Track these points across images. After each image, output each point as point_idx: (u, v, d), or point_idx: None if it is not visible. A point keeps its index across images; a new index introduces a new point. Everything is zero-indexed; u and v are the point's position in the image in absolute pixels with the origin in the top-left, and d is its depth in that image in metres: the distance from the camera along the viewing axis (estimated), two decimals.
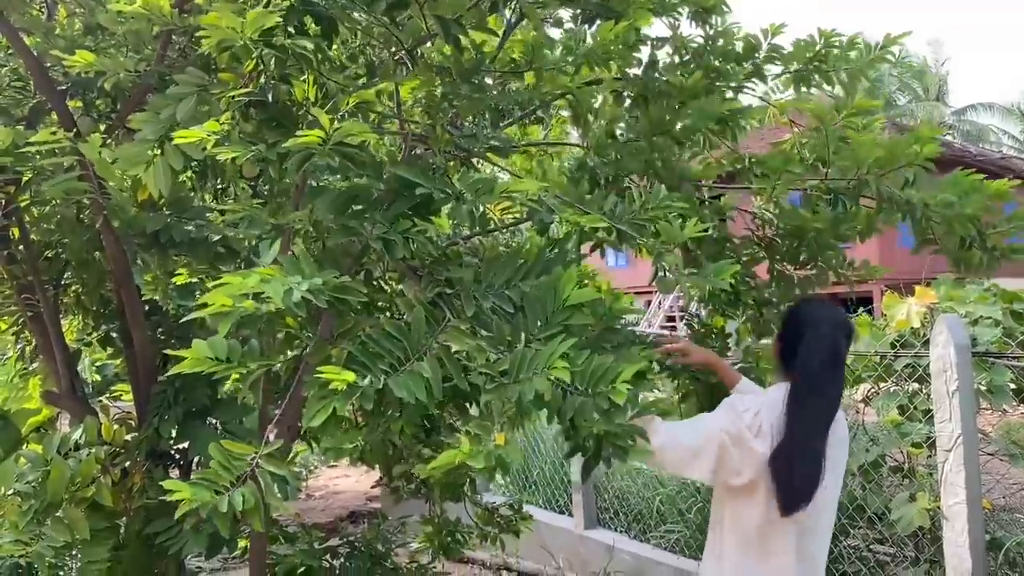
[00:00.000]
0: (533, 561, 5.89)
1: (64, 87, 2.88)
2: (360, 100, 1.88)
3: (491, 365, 1.78)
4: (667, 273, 1.96)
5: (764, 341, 3.02)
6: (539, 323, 1.86)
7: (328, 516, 7.59)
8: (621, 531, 5.67)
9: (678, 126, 2.52)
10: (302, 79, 2.01)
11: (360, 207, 1.95)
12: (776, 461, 2.21)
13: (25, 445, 6.46)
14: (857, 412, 5.23)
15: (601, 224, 1.89)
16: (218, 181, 3.59)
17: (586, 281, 1.88)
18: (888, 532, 4.35)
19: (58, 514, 2.66)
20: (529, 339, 1.84)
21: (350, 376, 1.63)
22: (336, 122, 1.73)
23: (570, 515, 5.96)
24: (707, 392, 2.96)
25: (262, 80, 1.92)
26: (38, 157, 2.76)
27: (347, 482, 9.07)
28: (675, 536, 5.18)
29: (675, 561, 5.05)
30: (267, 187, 3.60)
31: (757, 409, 2.27)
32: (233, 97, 1.90)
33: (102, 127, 2.99)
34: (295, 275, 1.75)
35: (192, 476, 1.66)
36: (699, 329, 3.09)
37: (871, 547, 4.50)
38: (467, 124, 2.26)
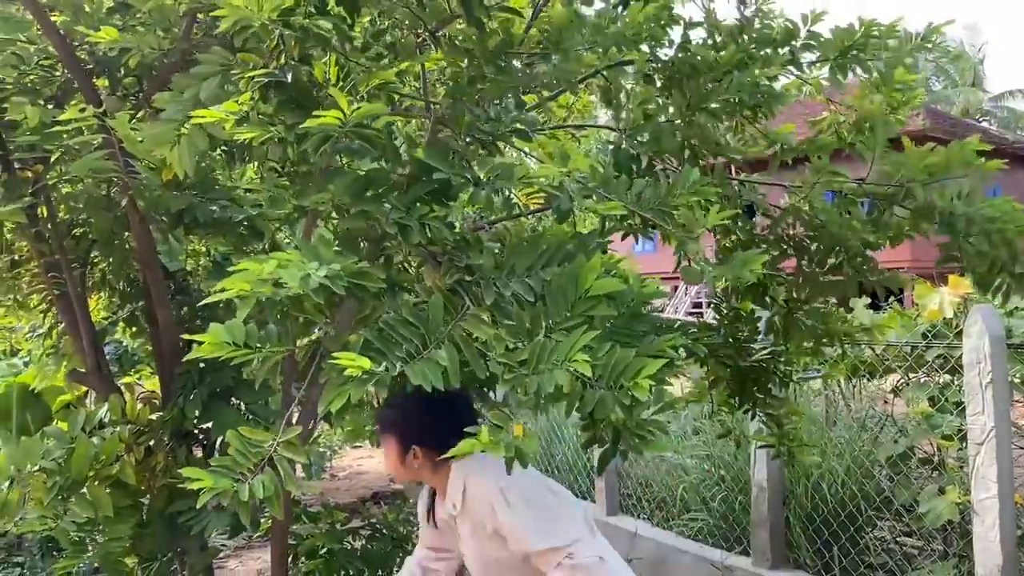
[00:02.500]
0: None
1: (90, 66, 2.89)
2: (380, 81, 1.85)
3: (510, 355, 1.75)
4: (691, 262, 1.91)
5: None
6: (560, 313, 1.82)
7: (351, 496, 7.64)
8: (644, 518, 5.64)
9: (714, 104, 2.45)
10: (323, 60, 1.98)
11: (377, 191, 1.92)
12: None
13: (54, 422, 6.61)
14: (885, 403, 5.15)
15: (620, 211, 1.85)
16: (245, 162, 3.59)
17: (612, 270, 1.83)
18: (916, 525, 4.28)
19: (82, 491, 2.69)
20: (550, 329, 1.80)
21: (366, 363, 1.61)
22: (356, 103, 1.70)
23: (593, 500, 5.94)
24: (737, 378, 2.92)
25: (281, 60, 1.90)
26: (65, 136, 2.77)
27: (371, 463, 9.12)
28: (698, 524, 5.14)
29: (698, 549, 5.01)
30: (293, 168, 3.59)
31: None
32: (252, 78, 1.88)
33: (128, 106, 2.99)
34: (313, 260, 1.73)
35: (211, 462, 1.65)
36: (728, 313, 3.03)
37: (898, 539, 4.44)
38: (492, 107, 2.22)
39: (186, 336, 1.80)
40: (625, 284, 1.87)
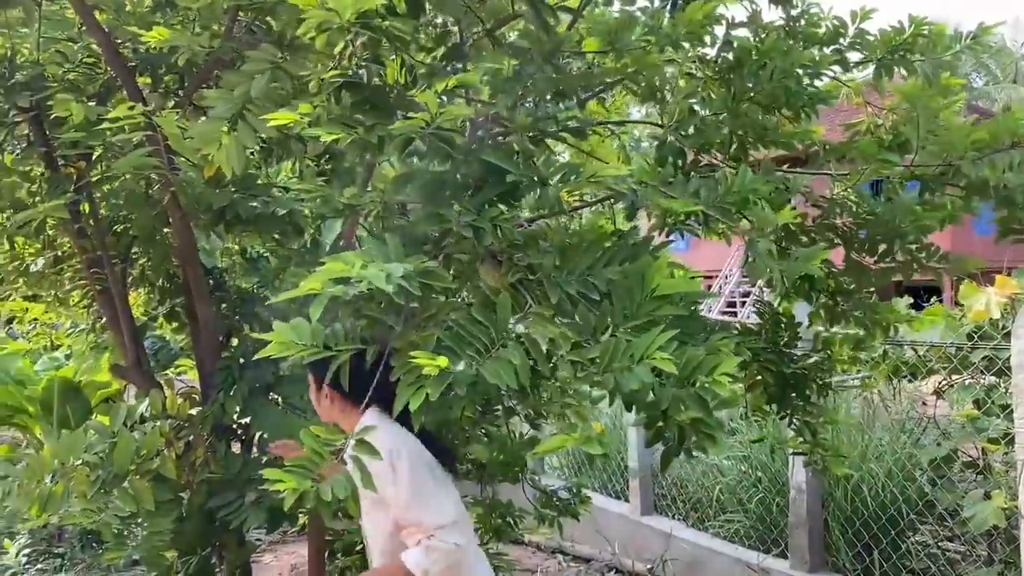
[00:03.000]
0: (588, 546, 5.84)
1: (134, 64, 2.87)
2: (460, 83, 1.82)
3: (580, 353, 1.72)
4: (757, 259, 1.87)
5: (836, 329, 2.90)
6: (625, 312, 1.79)
7: None
8: (678, 519, 5.59)
9: (758, 92, 2.40)
10: (391, 60, 1.96)
11: (449, 192, 1.90)
12: None
13: (95, 416, 6.64)
14: (924, 404, 5.07)
15: (694, 209, 1.81)
16: (281, 160, 3.58)
17: (672, 270, 1.80)
18: (959, 530, 4.21)
19: (124, 485, 2.68)
20: (615, 328, 1.77)
21: (444, 361, 1.59)
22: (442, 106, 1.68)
23: (626, 500, 5.90)
24: (777, 382, 2.87)
25: (353, 62, 1.88)
26: (108, 133, 2.76)
27: None
28: (735, 526, 5.09)
29: (734, 551, 4.96)
30: (329, 167, 3.57)
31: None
32: (323, 79, 1.85)
33: (170, 103, 2.98)
34: (384, 260, 1.71)
35: (288, 463, 1.64)
36: (769, 316, 2.98)
37: (940, 544, 4.37)
38: (540, 105, 2.18)
39: (256, 335, 1.78)
40: (687, 284, 1.84)
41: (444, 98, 1.89)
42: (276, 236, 2.93)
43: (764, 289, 3.11)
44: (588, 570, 5.72)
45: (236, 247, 3.79)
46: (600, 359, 1.70)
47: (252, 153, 3.30)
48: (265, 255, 3.66)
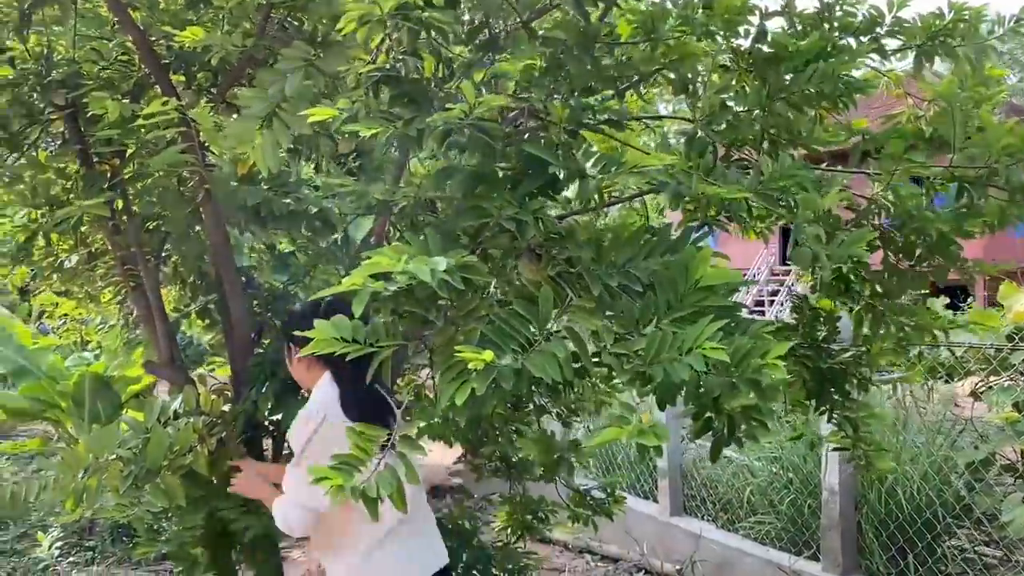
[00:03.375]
0: (616, 546, 5.80)
1: (167, 61, 2.88)
2: (497, 74, 1.80)
3: (626, 345, 1.69)
4: (804, 244, 1.83)
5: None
6: (668, 304, 1.76)
7: None
8: (708, 520, 5.54)
9: (795, 93, 2.36)
10: (429, 53, 1.94)
11: (488, 186, 1.88)
12: None
13: (125, 411, 6.69)
14: (957, 405, 4.99)
15: (739, 195, 1.78)
16: (310, 157, 3.58)
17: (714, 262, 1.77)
18: (997, 534, 4.13)
19: (156, 480, 2.68)
20: (659, 320, 1.74)
21: (489, 355, 1.56)
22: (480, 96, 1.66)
23: (655, 501, 5.85)
24: (815, 378, 2.82)
25: (391, 56, 1.86)
26: (142, 131, 2.77)
27: (428, 457, 9.10)
28: (765, 527, 5.03)
29: (764, 553, 4.90)
30: (357, 163, 3.56)
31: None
32: (361, 74, 1.84)
33: (203, 101, 2.98)
34: (424, 255, 1.69)
35: (333, 458, 1.63)
36: (807, 313, 2.93)
37: (977, 549, 4.29)
38: (576, 96, 2.16)
39: (299, 332, 1.77)
40: (730, 274, 1.81)
41: (482, 88, 1.87)
42: (308, 233, 2.92)
43: (793, 286, 3.06)
44: (616, 570, 5.68)
45: (263, 244, 3.80)
46: (646, 351, 1.67)
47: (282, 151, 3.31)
48: (294, 252, 3.67)
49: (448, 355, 1.77)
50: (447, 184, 1.94)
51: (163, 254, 3.41)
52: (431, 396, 3.63)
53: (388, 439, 1.72)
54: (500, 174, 1.93)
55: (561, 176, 1.94)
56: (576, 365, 1.75)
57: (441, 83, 1.94)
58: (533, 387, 1.84)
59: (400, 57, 1.90)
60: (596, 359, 1.79)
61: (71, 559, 5.47)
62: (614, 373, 1.76)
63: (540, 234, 1.88)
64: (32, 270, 3.56)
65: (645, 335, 1.72)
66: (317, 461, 2.22)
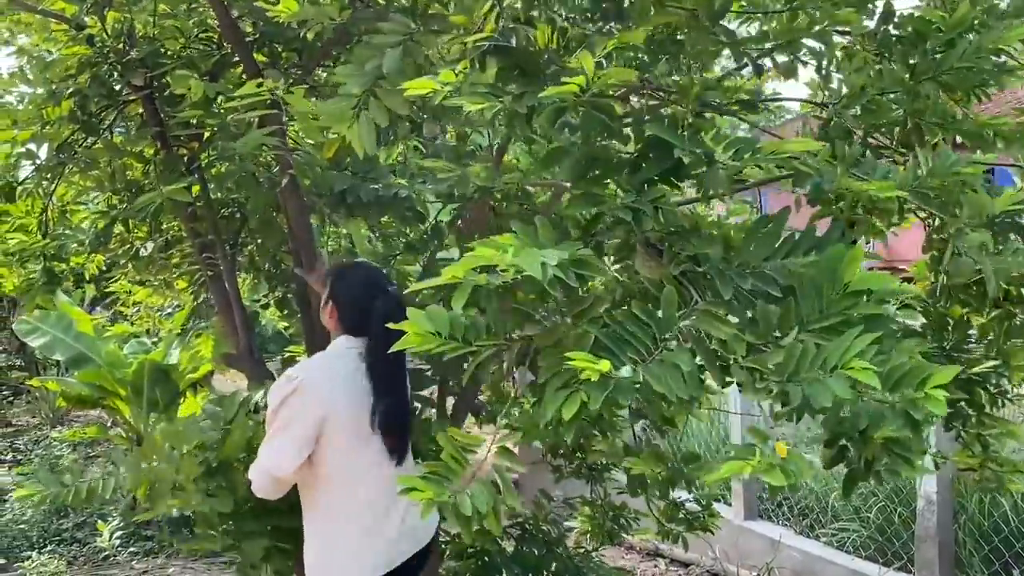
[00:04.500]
0: (686, 550, 5.60)
1: (252, 39, 2.76)
2: (621, 44, 1.62)
3: (761, 359, 1.51)
4: (965, 254, 1.62)
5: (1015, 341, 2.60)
6: (811, 312, 1.57)
7: None
8: (785, 525, 5.31)
9: (946, 71, 2.12)
10: (542, 22, 1.77)
11: (603, 171, 1.70)
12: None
13: (183, 399, 6.67)
14: None
15: (894, 194, 1.58)
16: (391, 141, 3.45)
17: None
18: None
19: (226, 475, 2.58)
20: (800, 330, 1.55)
21: (605, 364, 1.39)
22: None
23: (727, 504, 5.64)
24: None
25: (500, 25, 1.69)
26: (223, 111, 2.65)
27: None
28: (850, 535, 4.79)
29: (850, 562, 4.66)
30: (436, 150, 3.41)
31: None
32: (467, 44, 1.68)
33: (284, 81, 2.86)
34: (535, 246, 1.53)
35: (424, 467, 1.48)
36: (933, 317, 2.70)
37: None
38: (703, 71, 1.98)
39: (392, 325, 1.62)
40: (885, 279, 1.61)
41: (603, 61, 1.69)
42: (399, 220, 2.79)
43: None
44: (688, 575, 5.49)
45: (339, 231, 3.68)
46: (783, 366, 1.49)
47: None
48: (369, 240, 3.54)
49: (555, 360, 1.61)
50: (555, 168, 1.76)
51: (239, 242, 3.31)
52: (512, 395, 3.49)
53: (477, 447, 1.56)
54: (616, 158, 1.75)
55: (686, 161, 1.75)
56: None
57: (556, 55, 1.76)
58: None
59: (511, 26, 1.73)
60: (724, 372, 1.63)
61: (131, 549, 5.45)
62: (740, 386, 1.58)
63: (660, 226, 1.70)
64: (107, 258, 3.49)
65: (783, 347, 1.54)
66: (281, 429, 2.25)
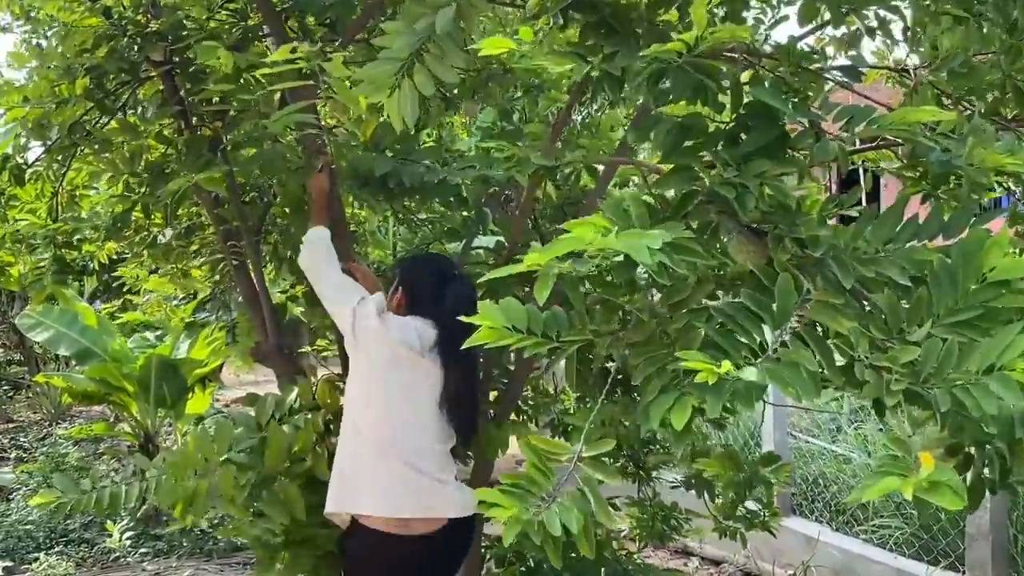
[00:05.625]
0: (717, 547, 5.43)
1: (283, 8, 2.55)
2: None
3: (890, 357, 1.32)
4: None
5: None
6: (946, 302, 1.38)
7: None
8: (821, 521, 5.13)
9: None
10: None
11: (699, 142, 1.51)
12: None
13: (191, 394, 6.47)
14: None
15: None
16: (422, 123, 3.25)
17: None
18: None
19: (273, 489, 2.39)
20: (933, 324, 1.36)
21: (727, 366, 1.20)
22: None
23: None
24: None
25: None
26: (251, 88, 2.46)
27: None
28: (892, 532, 4.61)
29: (893, 561, 4.48)
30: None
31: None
32: None
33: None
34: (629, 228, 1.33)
35: (503, 480, 1.29)
36: None
37: None
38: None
39: (464, 318, 1.42)
40: None
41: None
42: (444, 206, 2.59)
43: None
44: (720, 574, 5.32)
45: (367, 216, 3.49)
46: (920, 365, 1.30)
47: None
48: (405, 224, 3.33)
49: (653, 359, 1.42)
50: (648, 137, 1.56)
51: (264, 229, 3.10)
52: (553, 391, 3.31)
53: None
54: (716, 127, 1.56)
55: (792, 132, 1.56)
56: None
57: (651, 10, 1.56)
58: None
59: None
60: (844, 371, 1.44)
61: (142, 550, 5.26)
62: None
63: (763, 204, 1.51)
64: (122, 246, 3.29)
65: (912, 343, 1.35)
66: (332, 280, 2.31)
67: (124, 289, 4.59)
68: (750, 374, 1.24)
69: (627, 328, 1.47)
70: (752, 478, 2.52)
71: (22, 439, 8.18)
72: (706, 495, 3.03)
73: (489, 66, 2.61)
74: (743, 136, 1.55)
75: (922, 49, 2.12)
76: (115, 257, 3.70)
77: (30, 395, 9.53)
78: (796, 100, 1.51)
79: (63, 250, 3.21)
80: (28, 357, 9.91)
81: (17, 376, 10.06)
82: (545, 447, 1.36)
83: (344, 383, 2.72)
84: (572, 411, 3.56)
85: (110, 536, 5.26)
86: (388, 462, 2.22)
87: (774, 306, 1.38)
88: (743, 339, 1.35)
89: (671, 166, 1.52)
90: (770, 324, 1.37)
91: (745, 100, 1.56)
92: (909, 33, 2.14)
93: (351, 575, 2.34)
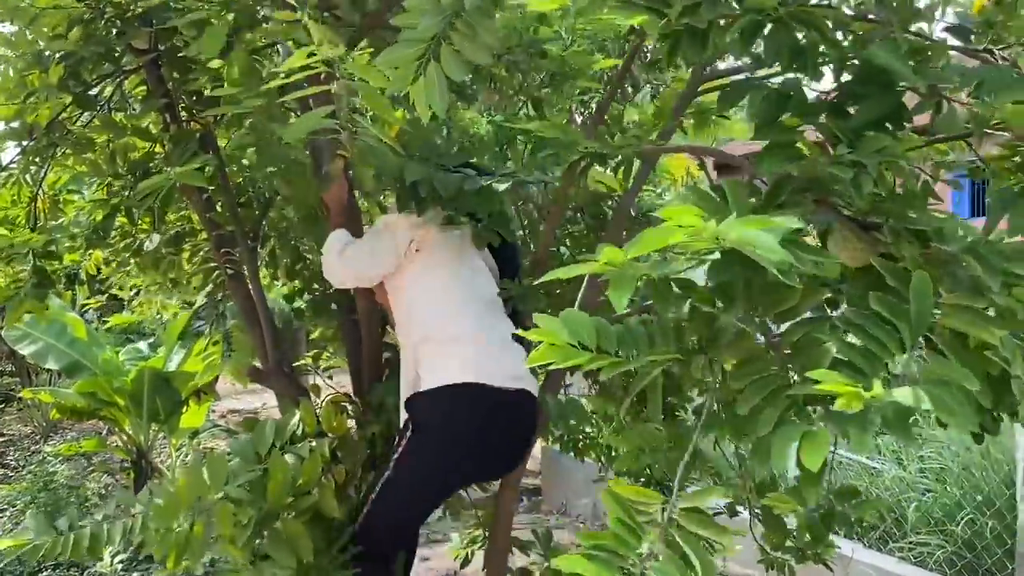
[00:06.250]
0: (741, 564, 5.15)
1: None
2: None
3: None
4: None
5: None
6: None
7: None
8: (852, 538, 4.85)
9: None
10: None
11: (799, 113, 1.23)
12: None
13: (185, 409, 6.18)
14: None
15: None
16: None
17: None
18: None
19: (276, 527, 2.10)
20: None
21: (878, 388, 0.93)
22: None
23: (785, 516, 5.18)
24: None
25: None
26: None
27: None
28: (932, 551, 4.33)
29: None
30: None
31: None
32: None
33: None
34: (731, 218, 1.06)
35: (583, 541, 1.01)
36: None
37: None
38: None
39: (520, 332, 1.14)
40: None
41: None
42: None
43: None
44: None
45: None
46: None
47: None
48: None
49: (761, 380, 1.15)
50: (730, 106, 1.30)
51: (260, 236, 2.81)
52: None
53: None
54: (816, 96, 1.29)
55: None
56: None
57: None
58: None
59: None
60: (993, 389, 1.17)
61: (135, 574, 4.96)
62: None
63: (882, 189, 1.24)
64: (107, 254, 3.00)
65: None
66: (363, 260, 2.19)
67: (109, 286, 4.30)
68: (904, 396, 0.96)
69: (719, 344, 1.19)
70: (829, 515, 2.24)
71: (9, 457, 7.86)
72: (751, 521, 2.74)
73: (512, 49, 2.34)
74: (848, 109, 1.28)
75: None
76: (105, 265, 3.42)
77: (21, 408, 9.22)
78: (917, 63, 1.24)
79: (43, 261, 2.92)
80: (19, 368, 9.61)
81: (8, 388, 9.73)
82: (634, 497, 1.08)
83: (350, 402, 2.45)
84: (597, 430, 3.30)
85: (100, 560, 4.98)
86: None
87: (911, 314, 1.11)
88: (879, 353, 1.07)
89: (765, 143, 1.25)
90: (907, 334, 1.10)
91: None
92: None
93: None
